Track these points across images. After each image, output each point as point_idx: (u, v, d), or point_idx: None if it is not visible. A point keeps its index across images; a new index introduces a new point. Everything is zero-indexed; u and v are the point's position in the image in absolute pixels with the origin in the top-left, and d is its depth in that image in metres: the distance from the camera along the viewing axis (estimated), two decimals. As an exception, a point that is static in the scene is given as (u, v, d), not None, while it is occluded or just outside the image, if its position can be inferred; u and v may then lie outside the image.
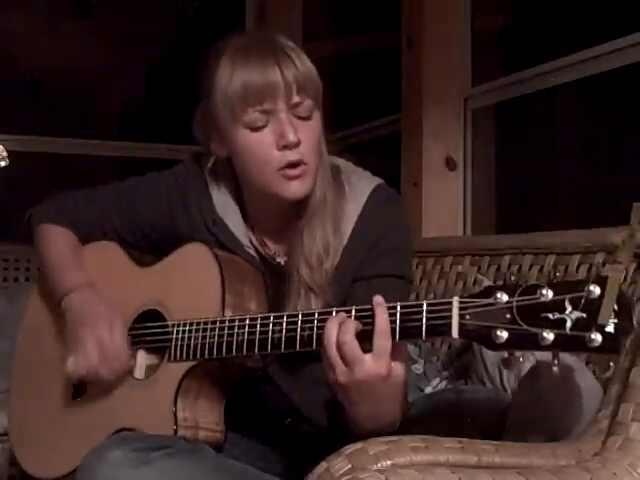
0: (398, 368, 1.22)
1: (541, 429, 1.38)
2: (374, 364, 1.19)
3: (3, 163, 2.91)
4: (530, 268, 1.89)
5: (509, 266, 1.97)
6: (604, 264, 1.67)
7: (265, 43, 1.42)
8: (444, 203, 2.74)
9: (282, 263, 1.52)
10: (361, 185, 1.49)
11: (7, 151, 2.93)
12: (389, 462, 1.13)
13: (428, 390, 2.03)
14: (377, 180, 1.52)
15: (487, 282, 1.97)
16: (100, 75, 4.73)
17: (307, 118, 1.40)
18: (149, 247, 1.62)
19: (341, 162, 1.55)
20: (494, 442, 1.25)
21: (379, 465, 1.13)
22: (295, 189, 1.41)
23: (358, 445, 1.17)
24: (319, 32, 3.94)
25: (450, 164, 2.73)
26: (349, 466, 1.13)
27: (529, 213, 3.04)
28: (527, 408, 1.46)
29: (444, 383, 2.04)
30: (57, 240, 1.63)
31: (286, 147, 1.38)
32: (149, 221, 1.59)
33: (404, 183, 2.78)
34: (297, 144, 1.38)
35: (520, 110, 2.83)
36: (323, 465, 1.15)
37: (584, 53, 2.32)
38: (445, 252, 2.22)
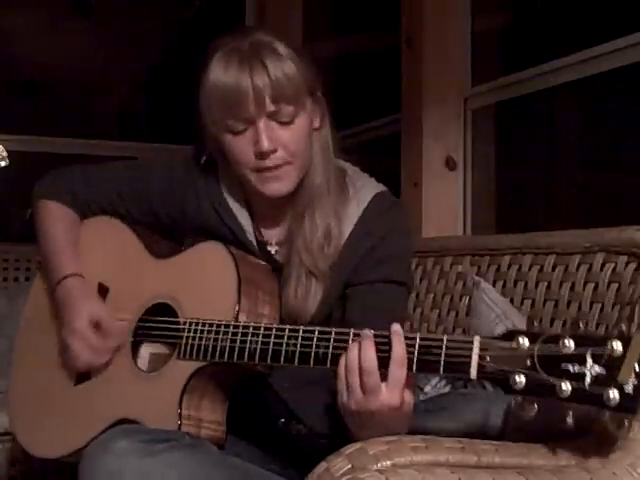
0: (409, 397, 1.22)
1: (541, 431, 1.38)
2: (388, 395, 1.19)
3: (3, 163, 2.92)
4: (530, 268, 1.89)
5: (509, 266, 1.97)
6: (604, 264, 1.67)
7: (248, 50, 1.41)
8: (444, 203, 2.74)
9: (273, 252, 1.53)
10: (365, 190, 1.51)
11: (7, 151, 2.93)
12: (389, 462, 1.13)
13: (428, 389, 2.03)
14: (381, 187, 1.54)
15: (484, 283, 1.97)
16: (100, 75, 4.73)
17: (288, 123, 1.42)
18: (156, 226, 1.62)
19: (348, 166, 1.56)
20: (494, 442, 1.25)
21: (379, 465, 1.13)
22: (275, 188, 1.44)
23: (358, 445, 1.17)
24: (319, 32, 3.94)
25: (450, 164, 2.73)
26: (349, 466, 1.13)
27: (529, 213, 3.04)
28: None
29: (443, 383, 2.04)
30: (56, 222, 1.64)
31: (261, 155, 1.41)
32: (160, 198, 1.60)
33: (404, 183, 2.78)
34: (273, 151, 1.40)
35: (520, 110, 2.83)
36: (323, 465, 1.15)
37: (584, 53, 2.32)
38: (445, 252, 2.22)
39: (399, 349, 1.18)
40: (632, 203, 2.42)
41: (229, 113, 1.41)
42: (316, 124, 1.49)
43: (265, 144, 1.39)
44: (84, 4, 4.63)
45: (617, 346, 1.05)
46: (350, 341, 1.24)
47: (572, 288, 1.74)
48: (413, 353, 1.19)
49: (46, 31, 4.55)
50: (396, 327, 1.20)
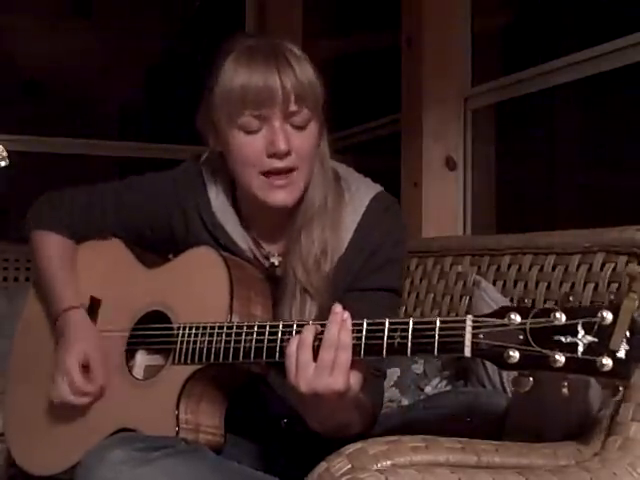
0: (355, 382, 1.24)
1: (541, 430, 1.38)
2: (332, 379, 1.21)
3: (3, 163, 2.91)
4: (530, 268, 1.89)
5: (509, 266, 1.97)
6: (604, 264, 1.67)
7: (271, 49, 1.42)
8: (444, 203, 2.74)
9: (276, 263, 1.52)
10: (360, 194, 1.49)
11: (7, 151, 2.93)
12: (389, 462, 1.13)
13: (428, 390, 2.03)
14: (376, 188, 1.52)
15: (485, 283, 1.98)
16: (100, 75, 4.73)
17: (302, 128, 1.41)
18: (146, 248, 1.62)
19: (340, 168, 1.55)
20: (494, 442, 1.25)
21: (379, 465, 1.13)
22: (281, 198, 1.42)
23: (358, 445, 1.17)
24: (319, 32, 3.93)
25: (450, 164, 2.73)
26: (349, 466, 1.13)
27: (529, 213, 3.04)
28: (527, 410, 1.46)
29: (444, 383, 2.04)
30: (52, 251, 1.63)
31: (275, 155, 1.39)
32: (146, 222, 1.59)
33: (404, 183, 2.78)
34: (287, 153, 1.40)
35: (520, 110, 2.83)
36: (323, 465, 1.15)
37: (584, 53, 2.32)
38: (445, 252, 2.22)
39: (343, 334, 1.21)
40: (632, 203, 2.42)
41: (249, 109, 1.39)
42: (319, 139, 1.48)
43: (282, 144, 1.38)
44: (84, 4, 4.64)
45: (607, 315, 1.06)
46: None
47: (572, 288, 1.74)
48: (407, 337, 1.20)
49: (46, 31, 4.56)
50: (338, 308, 1.23)
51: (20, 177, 3.81)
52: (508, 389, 1.77)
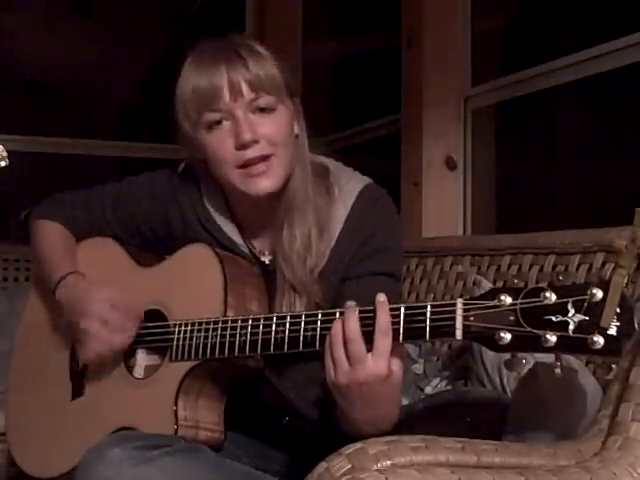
0: (397, 367, 1.22)
1: (541, 430, 1.38)
2: (374, 364, 1.19)
3: (3, 163, 2.91)
4: (530, 268, 1.89)
5: (509, 266, 1.97)
6: (604, 264, 1.67)
7: (220, 48, 1.42)
8: (444, 203, 2.74)
9: (267, 262, 1.52)
10: (349, 187, 1.49)
11: (7, 151, 2.93)
12: (389, 462, 1.13)
13: (428, 390, 2.03)
14: (366, 180, 1.51)
15: (485, 282, 1.98)
16: (100, 75, 4.73)
17: (269, 110, 1.40)
18: (145, 247, 1.62)
19: (330, 163, 1.54)
20: (494, 442, 1.24)
21: (379, 465, 1.12)
22: (262, 186, 1.40)
23: (358, 445, 1.17)
24: (319, 32, 3.94)
25: (450, 164, 2.73)
26: (349, 466, 1.12)
27: (529, 213, 3.04)
28: (527, 409, 1.46)
29: (444, 383, 2.04)
30: (51, 234, 1.64)
31: (243, 146, 1.38)
32: (145, 221, 1.60)
33: (404, 183, 2.78)
34: (255, 141, 1.38)
35: (520, 110, 2.83)
36: (323, 465, 1.15)
37: (584, 53, 2.32)
38: (445, 252, 2.22)
39: (383, 318, 1.18)
40: (632, 203, 2.42)
41: (206, 106, 1.39)
42: (296, 130, 1.47)
43: (247, 134, 1.37)
44: (84, 4, 4.64)
45: (597, 292, 1.07)
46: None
47: (572, 288, 1.73)
48: (399, 323, 1.19)
49: (46, 31, 4.56)
50: (381, 297, 1.20)
51: (20, 177, 3.81)
52: (508, 389, 1.77)
